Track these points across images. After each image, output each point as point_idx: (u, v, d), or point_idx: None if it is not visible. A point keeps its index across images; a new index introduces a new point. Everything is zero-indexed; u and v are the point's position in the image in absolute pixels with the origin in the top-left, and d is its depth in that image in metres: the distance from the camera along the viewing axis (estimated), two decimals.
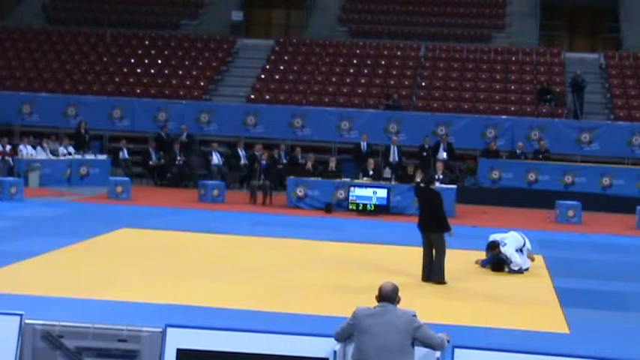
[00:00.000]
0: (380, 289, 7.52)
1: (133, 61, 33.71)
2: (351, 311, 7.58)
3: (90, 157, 28.04)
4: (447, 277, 14.45)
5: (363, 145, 28.06)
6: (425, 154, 27.66)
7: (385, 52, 33.81)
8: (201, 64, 33.56)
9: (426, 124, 28.88)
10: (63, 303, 11.85)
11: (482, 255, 16.20)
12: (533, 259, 16.16)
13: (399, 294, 7.54)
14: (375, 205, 23.05)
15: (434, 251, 14.41)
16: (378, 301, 7.50)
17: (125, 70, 33.21)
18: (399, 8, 36.07)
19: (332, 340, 7.61)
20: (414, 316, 7.46)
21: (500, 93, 31.73)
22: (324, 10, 36.67)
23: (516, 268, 15.53)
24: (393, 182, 24.22)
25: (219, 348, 7.66)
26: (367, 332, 7.29)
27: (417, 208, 15.46)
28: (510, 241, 15.74)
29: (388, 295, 7.46)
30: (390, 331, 7.24)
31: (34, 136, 28.73)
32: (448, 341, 7.45)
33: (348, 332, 7.50)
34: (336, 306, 12.05)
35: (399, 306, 7.53)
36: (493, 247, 15.75)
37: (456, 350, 7.37)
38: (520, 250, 15.80)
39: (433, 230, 14.44)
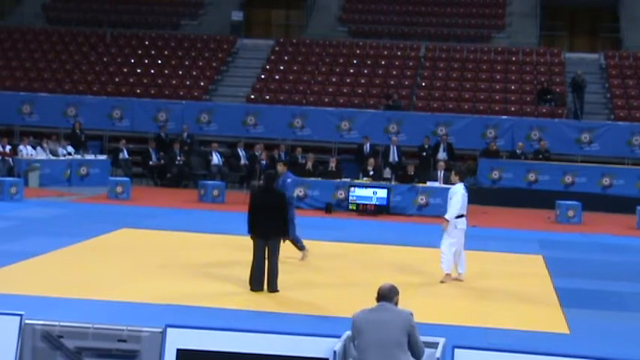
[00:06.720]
0: (378, 290, 7.62)
1: (133, 61, 33.69)
2: (351, 311, 7.65)
3: (90, 157, 28.02)
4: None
5: (366, 146, 27.95)
6: (424, 154, 27.65)
7: (385, 52, 33.79)
8: (201, 64, 33.54)
9: (426, 124, 28.85)
10: (63, 303, 11.84)
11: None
12: None
13: (398, 295, 7.60)
14: (375, 205, 23.06)
15: (269, 258, 12.99)
16: (377, 301, 7.58)
17: (125, 70, 33.19)
18: (399, 8, 36.05)
19: (332, 340, 7.63)
20: (411, 315, 7.50)
21: (500, 93, 31.71)
22: (324, 10, 36.66)
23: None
24: (393, 182, 24.24)
25: (219, 348, 7.67)
26: (366, 330, 7.36)
27: (253, 211, 13.06)
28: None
29: (386, 295, 7.55)
30: (388, 328, 7.31)
31: (34, 136, 28.72)
32: None
33: (353, 338, 7.56)
34: (337, 306, 12.06)
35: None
36: None
37: (456, 350, 7.37)
38: None
39: (276, 235, 13.07)
